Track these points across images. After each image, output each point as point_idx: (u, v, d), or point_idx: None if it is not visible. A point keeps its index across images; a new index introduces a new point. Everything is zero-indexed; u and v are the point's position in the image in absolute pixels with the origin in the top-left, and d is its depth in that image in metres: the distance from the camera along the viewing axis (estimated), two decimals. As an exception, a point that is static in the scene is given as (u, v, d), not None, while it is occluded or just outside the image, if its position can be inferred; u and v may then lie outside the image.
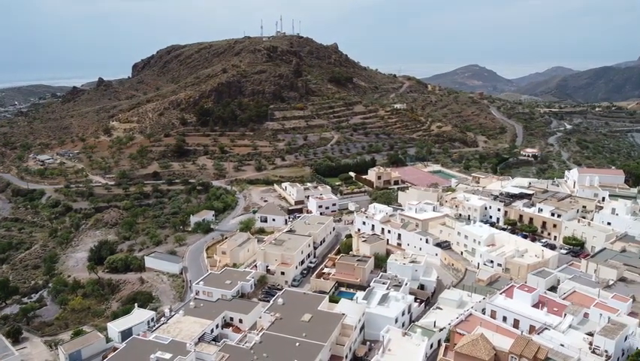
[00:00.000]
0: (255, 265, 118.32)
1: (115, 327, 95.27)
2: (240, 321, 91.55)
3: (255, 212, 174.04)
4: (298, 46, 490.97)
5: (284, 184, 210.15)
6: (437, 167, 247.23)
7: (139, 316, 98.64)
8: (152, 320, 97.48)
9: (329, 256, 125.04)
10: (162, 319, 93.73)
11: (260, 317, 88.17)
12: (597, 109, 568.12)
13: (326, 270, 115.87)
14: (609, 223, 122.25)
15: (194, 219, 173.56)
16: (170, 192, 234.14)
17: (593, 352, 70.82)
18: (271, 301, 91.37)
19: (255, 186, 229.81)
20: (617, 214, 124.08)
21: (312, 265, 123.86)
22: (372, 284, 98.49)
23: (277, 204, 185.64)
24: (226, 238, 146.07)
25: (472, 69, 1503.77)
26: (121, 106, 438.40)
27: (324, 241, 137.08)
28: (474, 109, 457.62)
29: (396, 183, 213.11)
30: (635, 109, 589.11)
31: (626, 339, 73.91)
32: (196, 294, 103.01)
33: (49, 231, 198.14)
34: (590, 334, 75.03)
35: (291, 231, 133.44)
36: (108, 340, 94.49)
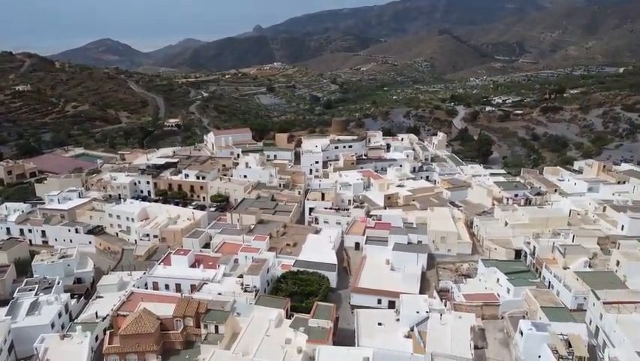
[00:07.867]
0: None
1: None
2: None
3: None
4: None
5: None
6: (80, 150, 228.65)
7: None
8: None
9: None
10: None
11: None
12: (227, 76, 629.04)
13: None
14: (245, 176, 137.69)
15: None
16: None
17: (245, 290, 79.95)
18: None
19: None
20: (249, 167, 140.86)
21: None
22: (15, 295, 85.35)
23: None
24: None
25: (105, 43, 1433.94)
26: None
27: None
28: (112, 85, 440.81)
29: (33, 175, 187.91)
30: (256, 74, 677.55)
31: (268, 271, 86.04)
32: None
33: None
34: (241, 276, 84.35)
35: None
36: None
